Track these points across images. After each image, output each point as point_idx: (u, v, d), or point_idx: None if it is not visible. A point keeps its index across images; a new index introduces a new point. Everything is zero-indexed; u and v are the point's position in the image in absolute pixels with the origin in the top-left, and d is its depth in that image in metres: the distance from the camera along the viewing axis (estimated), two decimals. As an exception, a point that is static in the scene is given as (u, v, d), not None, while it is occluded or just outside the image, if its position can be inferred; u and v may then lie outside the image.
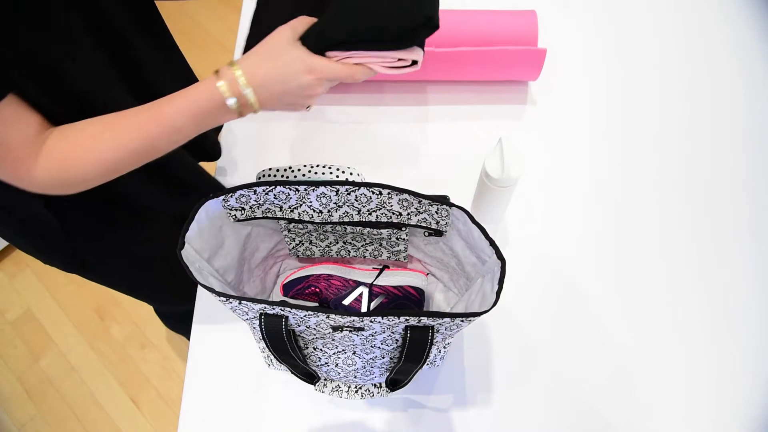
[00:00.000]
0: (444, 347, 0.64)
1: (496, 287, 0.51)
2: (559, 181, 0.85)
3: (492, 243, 0.53)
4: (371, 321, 0.50)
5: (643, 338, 0.74)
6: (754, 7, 1.01)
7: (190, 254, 0.55)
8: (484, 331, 0.74)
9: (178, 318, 1.11)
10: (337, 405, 0.70)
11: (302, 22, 0.55)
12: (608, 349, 0.73)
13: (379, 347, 0.56)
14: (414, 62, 0.58)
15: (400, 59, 0.57)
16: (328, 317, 0.50)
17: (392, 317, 0.49)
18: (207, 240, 0.59)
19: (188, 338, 0.73)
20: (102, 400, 1.49)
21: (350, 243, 0.69)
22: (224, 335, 0.74)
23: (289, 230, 0.67)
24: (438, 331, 0.53)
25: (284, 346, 0.54)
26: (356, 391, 0.63)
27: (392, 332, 0.53)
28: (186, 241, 0.54)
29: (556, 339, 0.74)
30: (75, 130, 0.51)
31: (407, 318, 0.49)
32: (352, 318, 0.49)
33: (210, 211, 0.58)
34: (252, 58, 0.52)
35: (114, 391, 1.50)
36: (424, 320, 0.50)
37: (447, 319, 0.50)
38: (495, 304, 0.50)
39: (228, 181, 0.86)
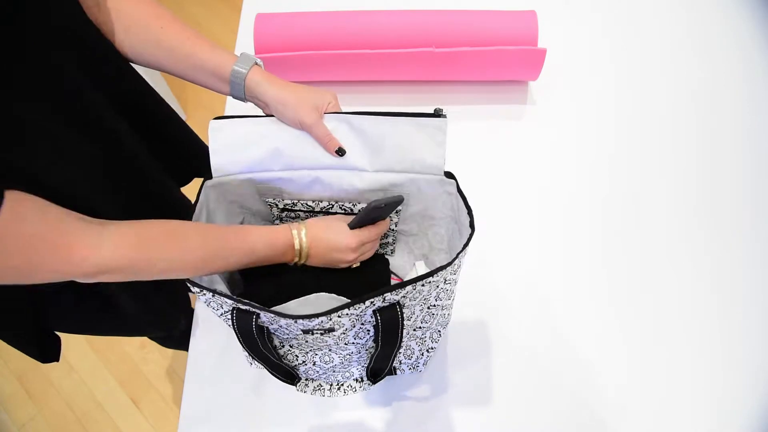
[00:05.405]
0: (427, 351, 0.65)
1: (461, 250, 0.52)
2: (559, 181, 0.85)
3: (469, 212, 0.55)
4: (339, 317, 0.50)
5: (645, 340, 0.74)
6: (756, 7, 1.01)
7: None
8: (485, 330, 0.74)
9: (177, 340, 1.10)
10: (337, 405, 0.70)
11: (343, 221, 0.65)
12: (610, 350, 0.73)
13: (353, 343, 0.57)
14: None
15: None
16: (296, 321, 0.50)
17: (358, 305, 0.50)
18: None
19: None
20: (102, 400, 1.49)
21: None
22: (224, 335, 0.74)
23: (281, 219, 0.69)
24: (405, 306, 0.53)
25: (255, 342, 0.54)
26: (338, 388, 0.63)
27: (362, 323, 0.54)
28: None
29: (557, 339, 0.74)
30: (159, 223, 0.53)
31: (372, 301, 0.50)
32: (321, 319, 0.50)
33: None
34: (317, 224, 0.63)
35: (114, 391, 1.50)
36: (389, 296, 0.50)
37: (409, 287, 0.50)
38: (450, 265, 0.51)
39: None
